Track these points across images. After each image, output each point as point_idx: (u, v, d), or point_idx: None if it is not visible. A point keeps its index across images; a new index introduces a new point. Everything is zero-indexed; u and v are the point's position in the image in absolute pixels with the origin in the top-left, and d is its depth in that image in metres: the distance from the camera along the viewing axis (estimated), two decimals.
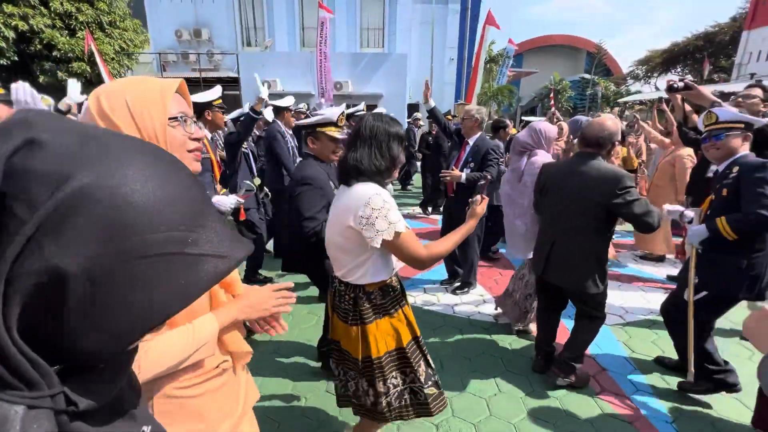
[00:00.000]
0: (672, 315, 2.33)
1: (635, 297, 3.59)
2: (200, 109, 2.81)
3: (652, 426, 2.09)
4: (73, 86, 2.85)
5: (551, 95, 11.21)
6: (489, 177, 1.65)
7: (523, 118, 7.00)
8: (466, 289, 3.65)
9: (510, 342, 2.86)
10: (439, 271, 3.97)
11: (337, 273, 1.52)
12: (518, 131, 5.01)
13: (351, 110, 5.69)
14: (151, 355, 0.75)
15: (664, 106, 4.92)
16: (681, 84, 2.42)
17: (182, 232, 0.33)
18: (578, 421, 2.12)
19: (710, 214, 2.12)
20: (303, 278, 2.91)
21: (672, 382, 2.41)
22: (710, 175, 3.25)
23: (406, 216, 6.25)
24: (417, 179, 8.95)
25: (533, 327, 2.87)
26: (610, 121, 2.14)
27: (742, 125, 2.06)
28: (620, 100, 22.18)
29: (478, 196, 1.58)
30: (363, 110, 5.86)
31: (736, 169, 2.03)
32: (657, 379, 2.47)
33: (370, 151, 1.39)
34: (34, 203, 0.29)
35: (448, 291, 3.69)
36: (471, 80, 11.53)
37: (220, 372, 0.93)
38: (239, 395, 1.01)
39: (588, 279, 2.14)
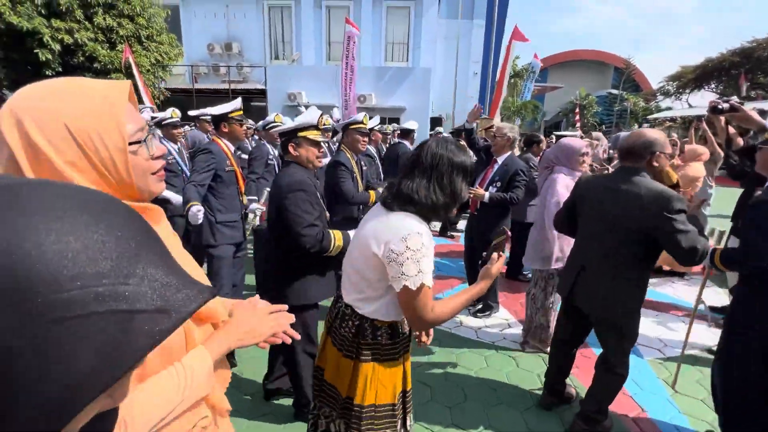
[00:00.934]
0: None
1: (675, 328, 3.35)
2: (217, 121, 2.75)
3: None
4: None
5: (576, 110, 10.98)
6: (508, 233, 1.42)
7: (555, 134, 6.78)
8: (488, 312, 3.50)
9: (539, 373, 2.69)
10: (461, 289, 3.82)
11: (346, 297, 1.35)
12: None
13: (372, 124, 5.64)
14: (138, 409, 0.62)
15: (704, 125, 4.68)
16: (726, 105, 2.20)
17: (107, 287, 0.28)
18: None
19: None
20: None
21: None
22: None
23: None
24: None
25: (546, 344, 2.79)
26: (650, 131, 1.96)
27: None
28: (649, 117, 21.52)
29: (494, 254, 1.34)
30: (378, 123, 5.81)
31: None
32: (704, 426, 2.25)
33: (428, 183, 1.22)
34: None
35: (470, 313, 3.54)
36: (495, 95, 11.41)
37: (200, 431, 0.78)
38: None
39: (620, 306, 1.93)
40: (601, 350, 2.10)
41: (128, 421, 0.60)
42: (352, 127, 3.13)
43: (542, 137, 4.74)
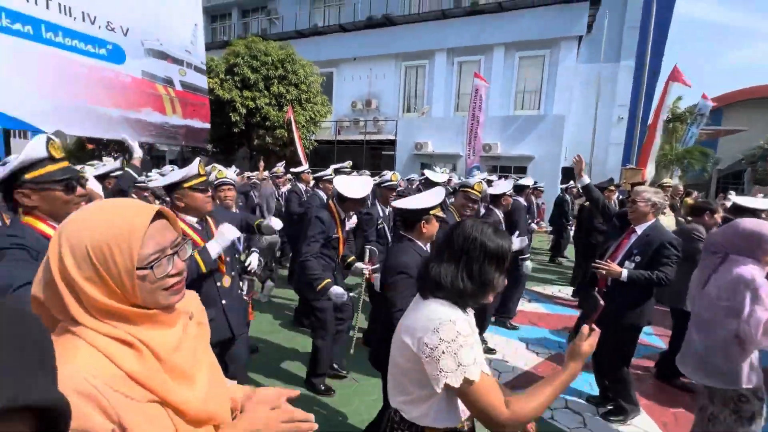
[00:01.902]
0: None
1: None
2: (169, 189, 2.14)
3: None
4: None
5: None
6: (602, 302, 1.09)
7: (732, 197, 5.01)
8: (621, 417, 2.73)
9: None
10: (589, 378, 3.03)
11: (392, 400, 1.22)
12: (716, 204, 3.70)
13: (337, 166, 5.17)
14: None
15: None
16: None
17: None
18: None
19: None
20: None
21: None
22: None
23: (548, 298, 5.06)
24: (570, 251, 7.42)
25: None
26: None
27: None
28: None
29: (585, 327, 1.13)
30: (348, 166, 5.37)
31: None
32: None
33: (457, 268, 1.11)
34: None
35: (598, 414, 2.82)
36: (646, 141, 9.98)
37: None
38: None
39: None
40: None
41: None
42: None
43: (717, 206, 3.62)
